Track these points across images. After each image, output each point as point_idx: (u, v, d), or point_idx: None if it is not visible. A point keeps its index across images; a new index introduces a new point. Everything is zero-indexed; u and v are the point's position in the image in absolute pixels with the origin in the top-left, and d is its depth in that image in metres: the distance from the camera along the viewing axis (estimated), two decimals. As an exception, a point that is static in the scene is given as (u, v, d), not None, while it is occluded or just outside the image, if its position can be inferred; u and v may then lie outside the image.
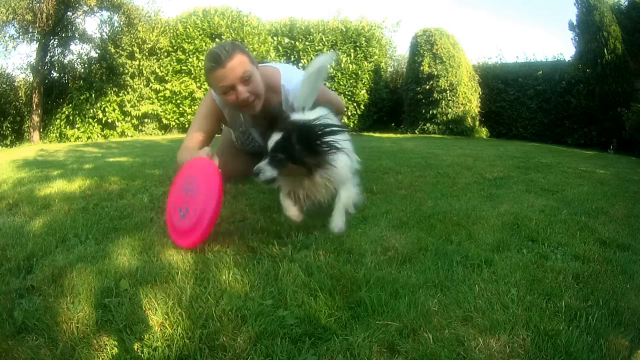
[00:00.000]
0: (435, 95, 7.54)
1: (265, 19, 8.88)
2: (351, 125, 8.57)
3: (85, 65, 8.27)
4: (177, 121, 8.34)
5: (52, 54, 8.25)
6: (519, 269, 1.18)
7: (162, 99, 8.27)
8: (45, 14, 7.29)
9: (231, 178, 2.25)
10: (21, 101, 8.59)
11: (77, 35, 8.33)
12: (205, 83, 8.09)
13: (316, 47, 8.22)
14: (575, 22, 6.88)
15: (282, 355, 0.80)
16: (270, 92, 1.68)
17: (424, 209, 1.76)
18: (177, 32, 8.22)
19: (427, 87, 7.61)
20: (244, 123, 1.88)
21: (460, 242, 1.38)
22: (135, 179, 2.34)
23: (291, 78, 1.74)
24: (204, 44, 8.17)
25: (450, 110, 7.54)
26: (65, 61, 8.45)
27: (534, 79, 7.63)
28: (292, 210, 1.42)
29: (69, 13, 8.10)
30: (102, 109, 7.78)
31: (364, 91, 8.49)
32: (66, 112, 7.80)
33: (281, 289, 1.03)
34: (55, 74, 8.43)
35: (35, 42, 7.86)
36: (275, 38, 8.51)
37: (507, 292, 1.04)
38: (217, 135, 2.30)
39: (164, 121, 8.34)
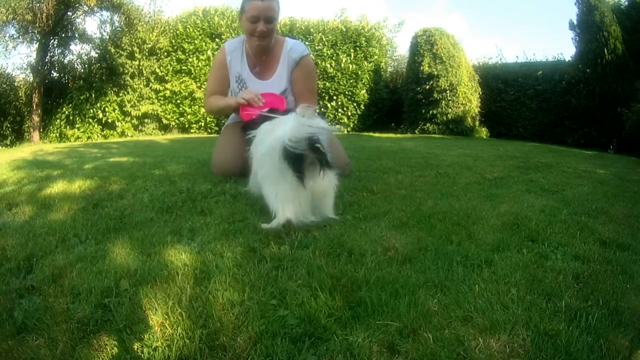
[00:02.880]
0: (435, 95, 7.54)
1: (265, 18, 8.87)
2: (351, 126, 8.57)
3: (85, 65, 8.28)
4: (177, 121, 8.34)
5: (52, 54, 8.24)
6: (519, 269, 1.18)
7: (162, 99, 8.27)
8: (45, 14, 7.28)
9: (231, 176, 2.26)
10: (21, 101, 8.59)
11: (77, 35, 8.33)
12: (204, 83, 8.09)
13: (316, 47, 8.22)
14: (575, 22, 6.88)
15: (282, 355, 0.80)
16: (276, 43, 2.25)
17: (424, 209, 1.76)
18: (177, 32, 8.23)
19: (427, 87, 7.61)
20: (240, 73, 2.31)
21: (460, 242, 1.38)
22: (135, 179, 2.34)
23: (291, 39, 2.35)
24: (204, 44, 8.17)
25: (450, 110, 7.54)
26: (65, 61, 8.45)
27: (534, 79, 7.63)
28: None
29: (69, 13, 8.10)
30: (102, 109, 7.79)
31: (364, 91, 8.49)
32: (66, 112, 7.80)
33: (281, 289, 1.03)
34: (55, 74, 8.43)
35: (35, 42, 7.86)
36: (275, 38, 8.52)
37: (507, 292, 1.04)
38: (213, 135, 2.31)
39: (164, 121, 8.35)
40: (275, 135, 1.48)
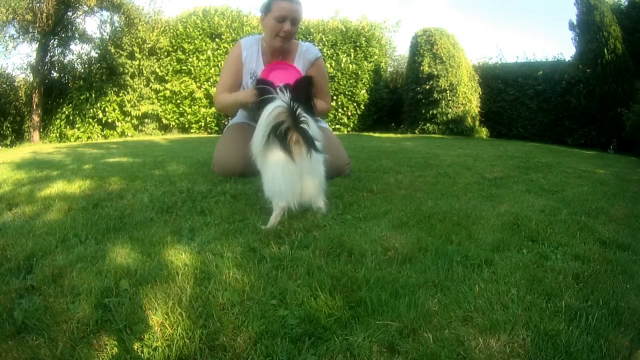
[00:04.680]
0: (435, 95, 7.54)
1: (265, 18, 8.88)
2: (351, 126, 8.57)
3: (85, 65, 8.28)
4: (177, 121, 8.35)
5: (52, 54, 8.24)
6: (519, 269, 1.17)
7: (162, 99, 8.27)
8: (45, 14, 7.29)
9: (231, 176, 2.26)
10: (21, 101, 8.59)
11: (77, 35, 8.33)
12: (204, 83, 8.09)
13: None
14: (575, 22, 6.88)
15: (282, 355, 0.80)
16: (291, 44, 2.34)
17: (424, 209, 1.76)
18: (177, 32, 8.23)
19: (427, 87, 7.61)
20: (255, 70, 2.34)
21: (460, 242, 1.38)
22: (135, 179, 2.34)
23: (303, 42, 2.46)
24: (204, 44, 8.17)
25: (450, 110, 7.54)
26: (65, 61, 8.45)
27: (534, 79, 7.63)
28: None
29: (69, 13, 8.10)
30: (102, 109, 7.79)
31: (364, 91, 8.49)
32: (66, 112, 7.80)
33: (281, 289, 1.03)
34: (55, 74, 8.43)
35: (35, 42, 7.86)
36: (275, 38, 8.52)
37: (507, 292, 1.04)
38: (213, 136, 2.31)
39: (164, 121, 8.35)
40: (263, 115, 1.55)
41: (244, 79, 2.37)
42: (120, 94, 7.91)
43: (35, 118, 7.73)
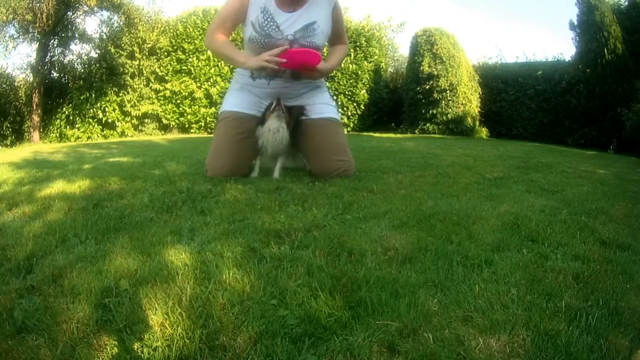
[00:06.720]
0: (435, 95, 7.54)
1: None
2: (351, 126, 8.57)
3: (85, 65, 8.29)
4: (177, 121, 8.35)
5: (52, 54, 8.26)
6: (519, 269, 1.17)
7: (162, 99, 8.28)
8: (45, 14, 7.30)
9: (228, 176, 2.26)
10: (21, 101, 8.61)
11: (77, 35, 8.34)
12: (204, 83, 8.09)
13: (316, 47, 8.21)
14: (575, 22, 6.89)
15: (282, 355, 0.80)
16: None
17: (424, 209, 1.76)
18: (177, 32, 8.23)
19: (427, 87, 7.61)
20: (265, 4, 2.15)
21: (460, 242, 1.38)
22: (135, 179, 2.34)
23: None
24: (204, 44, 8.17)
25: (450, 110, 7.54)
26: (65, 61, 8.47)
27: (534, 79, 7.63)
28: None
29: (69, 13, 8.11)
30: (102, 109, 7.79)
31: (364, 91, 8.49)
32: (66, 112, 7.81)
33: (281, 289, 1.03)
34: (55, 74, 8.45)
35: (35, 42, 7.88)
36: (275, 38, 8.52)
37: (507, 292, 1.04)
38: (213, 136, 2.33)
39: (164, 121, 8.35)
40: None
41: (252, 13, 2.18)
42: (120, 94, 7.92)
43: (35, 118, 7.73)
